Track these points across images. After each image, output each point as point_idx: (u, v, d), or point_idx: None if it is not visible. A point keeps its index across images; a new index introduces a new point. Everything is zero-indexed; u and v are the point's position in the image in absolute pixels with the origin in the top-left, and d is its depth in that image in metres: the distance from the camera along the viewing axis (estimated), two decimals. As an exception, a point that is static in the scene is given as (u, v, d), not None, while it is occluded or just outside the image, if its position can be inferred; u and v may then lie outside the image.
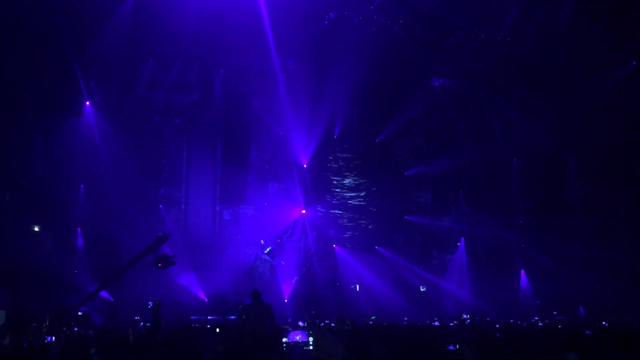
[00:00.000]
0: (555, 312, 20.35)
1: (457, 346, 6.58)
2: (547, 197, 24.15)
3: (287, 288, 21.22)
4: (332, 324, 15.53)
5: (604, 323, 16.18)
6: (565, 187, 24.12)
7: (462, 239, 23.91)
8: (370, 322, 18.10)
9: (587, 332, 10.69)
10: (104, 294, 17.75)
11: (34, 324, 12.05)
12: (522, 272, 23.05)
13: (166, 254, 6.99)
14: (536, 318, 18.54)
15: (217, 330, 11.22)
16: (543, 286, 22.11)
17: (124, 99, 19.89)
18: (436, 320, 16.84)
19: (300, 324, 15.21)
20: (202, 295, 20.05)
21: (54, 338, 8.81)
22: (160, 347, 6.69)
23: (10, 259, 16.74)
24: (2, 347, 8.61)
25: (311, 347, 6.09)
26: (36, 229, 18.63)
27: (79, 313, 12.36)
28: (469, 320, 11.06)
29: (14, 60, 16.91)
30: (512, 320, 17.92)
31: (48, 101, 18.35)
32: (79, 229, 19.24)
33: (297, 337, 9.45)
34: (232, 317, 16.74)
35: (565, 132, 23.40)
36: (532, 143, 23.59)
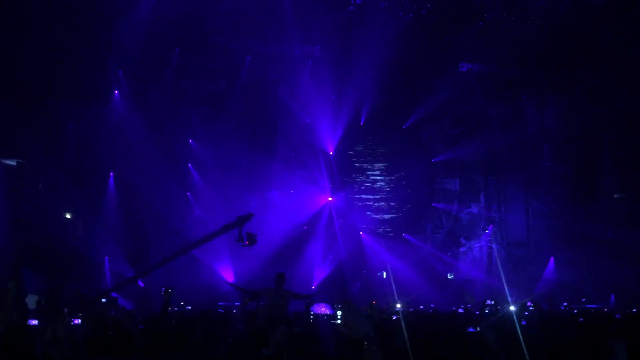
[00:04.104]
0: (584, 300, 19.95)
1: (478, 328, 6.47)
2: (579, 183, 23.63)
3: (313, 275, 21.28)
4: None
5: (634, 310, 15.78)
6: (597, 173, 23.54)
7: (491, 226, 23.57)
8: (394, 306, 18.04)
9: (617, 316, 10.45)
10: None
11: (65, 309, 12.35)
12: (552, 259, 22.59)
13: (250, 232, 7.00)
14: (565, 304, 18.21)
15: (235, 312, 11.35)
16: (574, 273, 21.67)
17: (152, 88, 20.11)
18: (461, 308, 16.66)
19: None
20: (230, 281, 20.25)
21: (80, 321, 9.02)
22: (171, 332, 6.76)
23: (44, 245, 17.20)
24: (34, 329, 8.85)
25: (338, 322, 6.05)
26: (68, 216, 19.08)
27: (103, 300, 12.55)
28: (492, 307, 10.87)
29: (44, 50, 17.24)
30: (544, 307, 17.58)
31: (78, 90, 18.71)
32: (109, 217, 19.63)
33: (322, 310, 9.38)
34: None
35: (599, 117, 22.82)
36: (564, 128, 23.07)
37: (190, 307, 17.13)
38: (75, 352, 6.30)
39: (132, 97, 19.71)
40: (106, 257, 19.19)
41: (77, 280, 16.93)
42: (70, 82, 18.11)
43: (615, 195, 23.49)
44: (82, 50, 17.63)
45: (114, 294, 16.13)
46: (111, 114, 19.65)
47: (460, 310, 15.42)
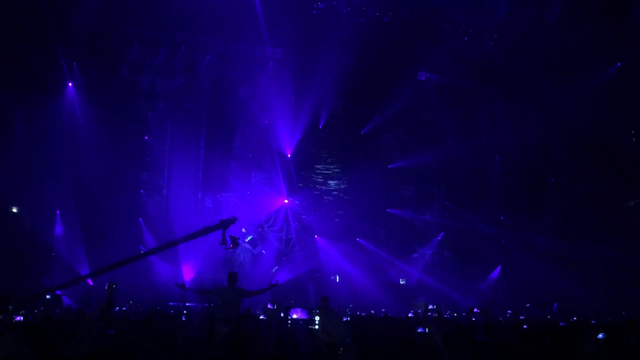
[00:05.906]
0: (528, 305, 20.53)
1: (427, 329, 6.66)
2: (528, 194, 24.34)
3: (267, 277, 21.16)
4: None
5: (574, 318, 16.40)
6: (546, 185, 24.29)
7: (442, 233, 23.99)
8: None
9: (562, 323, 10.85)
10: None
11: (9, 306, 11.92)
12: (499, 267, 23.12)
13: (233, 235, 6.93)
14: (509, 311, 18.73)
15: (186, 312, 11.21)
16: (519, 281, 22.23)
17: (108, 82, 19.67)
18: (411, 312, 16.95)
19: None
20: (181, 283, 19.90)
21: (22, 318, 8.75)
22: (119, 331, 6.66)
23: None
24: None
25: (316, 327, 6.12)
26: (14, 210, 18.46)
27: (47, 297, 12.18)
28: (435, 314, 11.22)
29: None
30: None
31: (30, 81, 18.11)
32: (57, 212, 19.07)
33: (295, 315, 9.31)
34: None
35: (549, 130, 23.56)
36: (516, 140, 23.75)
37: (141, 308, 16.80)
38: (17, 348, 6.16)
39: (87, 90, 19.23)
40: (53, 254, 18.63)
41: (21, 276, 16.39)
42: (21, 71, 17.52)
43: (562, 208, 24.29)
44: (35, 40, 17.09)
45: (58, 292, 15.65)
46: (64, 106, 19.11)
47: (410, 315, 15.74)
